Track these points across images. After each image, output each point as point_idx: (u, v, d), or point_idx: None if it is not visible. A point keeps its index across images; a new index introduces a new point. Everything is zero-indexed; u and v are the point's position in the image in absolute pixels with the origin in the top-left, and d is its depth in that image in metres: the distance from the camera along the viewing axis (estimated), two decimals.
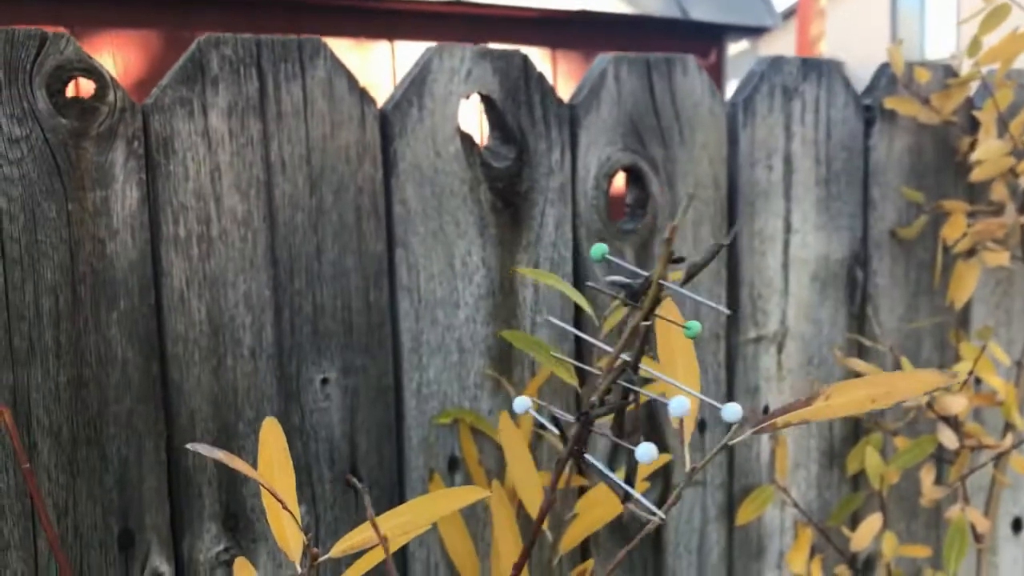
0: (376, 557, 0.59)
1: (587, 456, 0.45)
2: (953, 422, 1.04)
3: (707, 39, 2.98)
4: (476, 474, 0.87)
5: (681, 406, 0.41)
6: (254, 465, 0.76)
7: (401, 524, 0.55)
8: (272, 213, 0.76)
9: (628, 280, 0.44)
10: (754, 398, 1.03)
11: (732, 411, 0.42)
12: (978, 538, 1.07)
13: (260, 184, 0.75)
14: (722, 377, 1.01)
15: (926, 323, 1.13)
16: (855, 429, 1.11)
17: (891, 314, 1.11)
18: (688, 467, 0.46)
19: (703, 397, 0.42)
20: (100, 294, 0.70)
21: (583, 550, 0.94)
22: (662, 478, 0.98)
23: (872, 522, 1.03)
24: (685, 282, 0.42)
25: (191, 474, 0.74)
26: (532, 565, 0.89)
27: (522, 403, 0.46)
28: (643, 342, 0.44)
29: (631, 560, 0.97)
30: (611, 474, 0.44)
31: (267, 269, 0.76)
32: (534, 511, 0.77)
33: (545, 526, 0.78)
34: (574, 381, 0.80)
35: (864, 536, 1.02)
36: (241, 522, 0.77)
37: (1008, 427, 1.07)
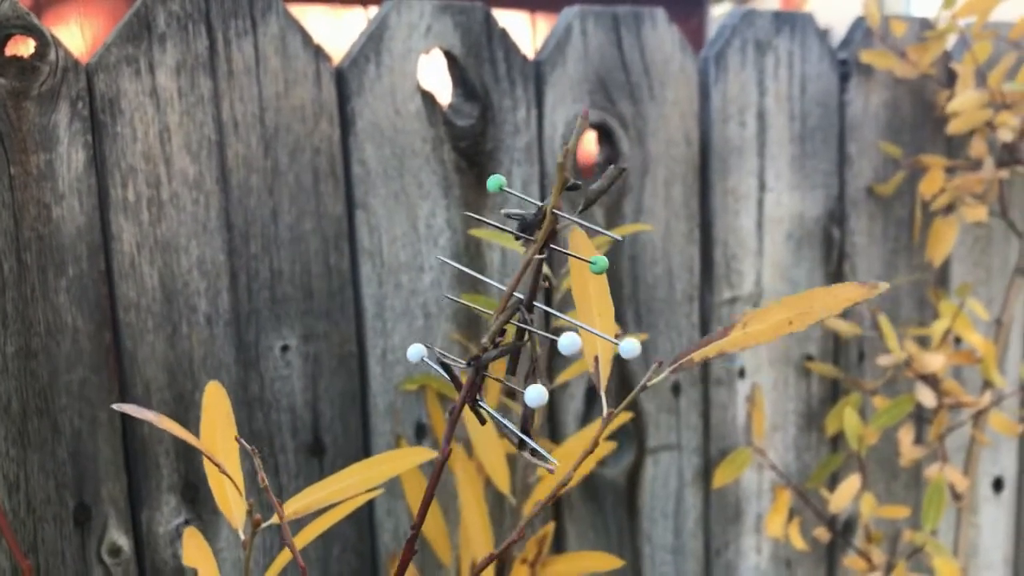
0: (331, 519, 0.57)
1: (480, 403, 0.43)
2: (931, 380, 1.02)
3: (690, 2, 2.94)
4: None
5: (572, 344, 0.39)
6: None
7: (354, 483, 0.53)
8: (225, 175, 0.73)
9: (520, 213, 0.41)
10: (731, 360, 1.01)
11: (629, 347, 0.40)
12: (957, 497, 1.06)
13: (212, 145, 0.73)
14: (696, 339, 0.99)
15: (904, 280, 1.12)
16: (834, 391, 1.10)
17: (869, 273, 1.09)
18: (605, 411, 0.44)
19: (598, 332, 0.40)
20: (47, 261, 0.68)
21: (556, 512, 0.93)
22: (636, 442, 0.96)
23: (850, 484, 1.01)
24: (584, 209, 0.40)
25: (147, 445, 0.73)
26: (501, 530, 0.87)
27: (416, 351, 0.44)
28: (536, 278, 0.42)
29: (606, 525, 0.96)
30: (504, 421, 0.43)
31: (221, 233, 0.74)
32: (497, 478, 0.76)
33: (508, 493, 0.76)
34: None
35: (842, 498, 1.01)
36: (201, 493, 0.75)
37: (987, 385, 1.06)
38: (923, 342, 1.13)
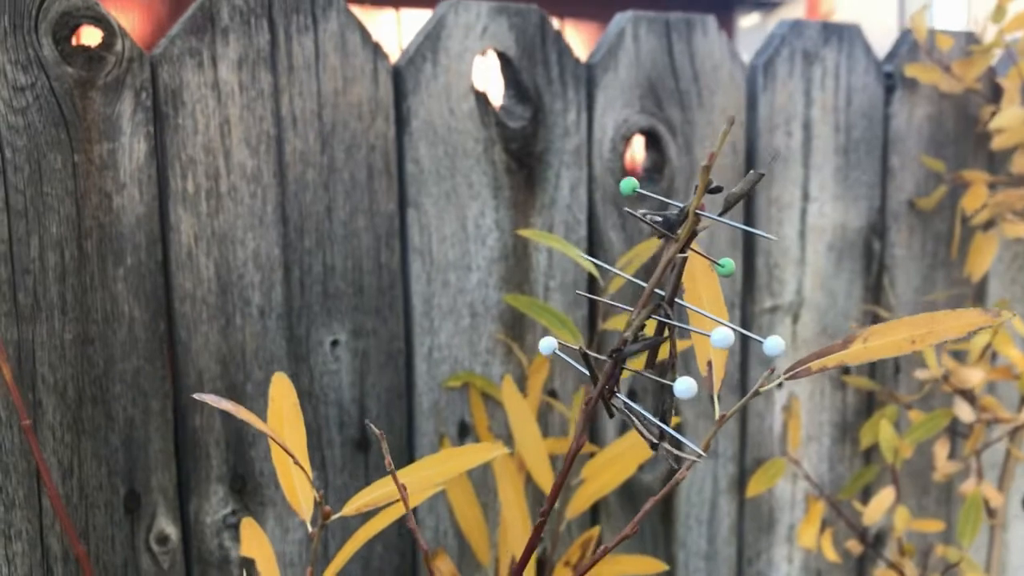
0: (388, 517, 0.58)
1: (618, 395, 0.44)
2: (969, 395, 1.02)
3: (718, 11, 2.95)
4: (485, 440, 0.86)
5: (725, 338, 0.39)
6: None
7: (415, 481, 0.53)
8: (282, 169, 0.74)
9: (663, 213, 0.42)
10: (767, 367, 1.01)
11: (774, 344, 0.40)
12: (991, 514, 1.06)
13: (270, 139, 0.73)
14: (736, 347, 0.99)
15: (942, 295, 1.12)
16: (868, 403, 1.10)
17: (907, 286, 1.09)
18: (717, 415, 0.44)
19: (746, 332, 0.41)
20: (107, 249, 0.68)
21: (592, 517, 0.93)
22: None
23: (884, 496, 1.01)
24: (725, 211, 0.40)
25: (198, 435, 0.73)
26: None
27: (548, 344, 0.44)
28: (679, 276, 0.42)
29: (641, 530, 0.96)
30: (644, 411, 0.43)
31: (277, 227, 0.74)
32: (540, 477, 0.76)
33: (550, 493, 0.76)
34: (579, 342, 0.78)
35: (876, 510, 1.01)
36: (249, 485, 0.75)
37: None
38: (958, 356, 1.13)
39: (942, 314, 0.41)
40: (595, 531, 0.76)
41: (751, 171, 0.41)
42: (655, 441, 0.45)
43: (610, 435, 0.92)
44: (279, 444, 0.49)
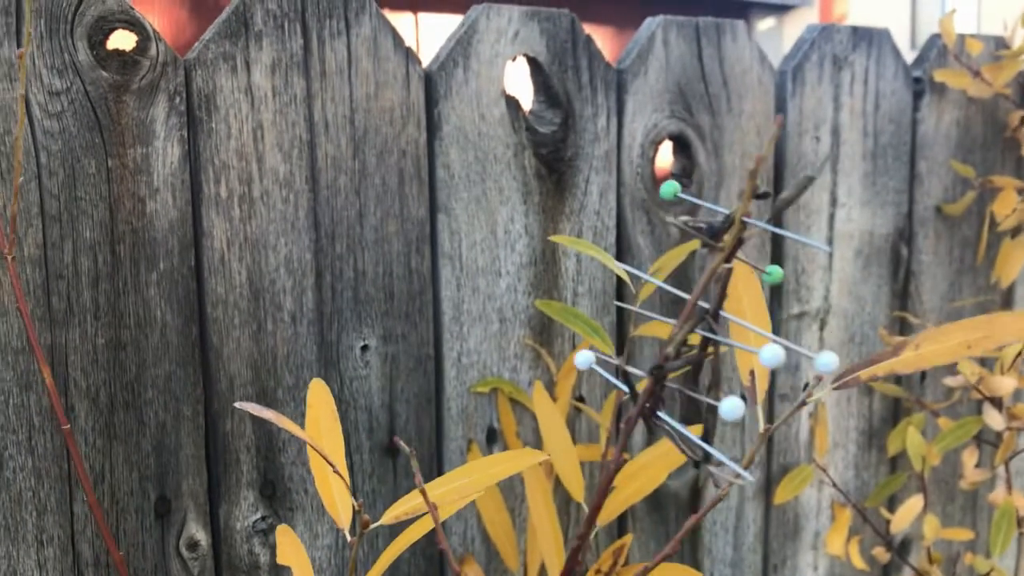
0: (422, 528, 0.57)
1: (660, 413, 0.42)
2: (998, 403, 1.01)
3: (733, 16, 2.93)
4: (513, 446, 0.85)
5: (775, 356, 0.38)
6: (292, 433, 0.75)
7: (454, 490, 0.53)
8: (314, 175, 0.74)
9: (706, 221, 0.41)
10: (795, 376, 1.01)
11: (827, 360, 0.39)
12: (1020, 523, 1.05)
13: (303, 144, 0.73)
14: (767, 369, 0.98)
15: (969, 302, 1.11)
16: (895, 410, 1.09)
17: (934, 292, 1.09)
18: (762, 427, 0.43)
19: (797, 347, 0.40)
20: (139, 254, 0.68)
21: (620, 525, 0.92)
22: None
23: (913, 504, 1.01)
24: (773, 218, 0.39)
25: (229, 441, 0.73)
26: (568, 539, 0.87)
27: (585, 357, 0.43)
28: (724, 287, 0.41)
29: (668, 536, 0.95)
30: (688, 432, 0.42)
31: (309, 232, 0.74)
32: (570, 484, 0.75)
33: (582, 500, 0.76)
34: (611, 350, 0.78)
35: (904, 518, 1.00)
36: (279, 491, 0.75)
37: None
38: (984, 363, 1.12)
39: (999, 317, 0.40)
40: (627, 539, 0.76)
41: (802, 175, 0.40)
42: (698, 460, 0.44)
43: (637, 439, 0.91)
44: (318, 451, 0.48)
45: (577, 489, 0.76)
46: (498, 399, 0.84)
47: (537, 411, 0.77)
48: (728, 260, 0.43)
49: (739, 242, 0.43)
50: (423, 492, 0.50)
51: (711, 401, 0.43)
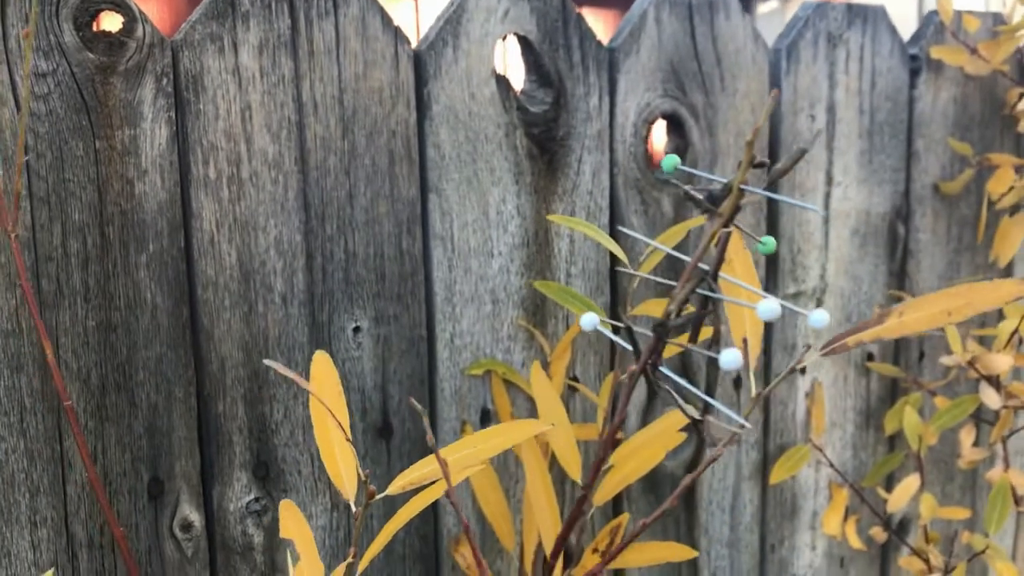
0: (429, 497, 0.57)
1: (662, 368, 0.43)
2: (995, 382, 1.01)
3: None
4: None
5: (772, 309, 0.39)
6: (284, 414, 0.75)
7: (461, 459, 0.53)
8: (304, 155, 0.73)
9: (707, 189, 0.42)
10: (791, 355, 1.01)
11: (819, 317, 0.40)
12: (1018, 501, 1.05)
13: (292, 125, 0.73)
14: (759, 333, 0.98)
15: (967, 280, 1.10)
16: (892, 389, 1.09)
17: (931, 271, 1.08)
18: (753, 392, 0.44)
19: (791, 305, 0.40)
20: (129, 236, 0.68)
21: (615, 505, 0.92)
22: (696, 435, 0.96)
23: (909, 483, 1.00)
24: (768, 186, 0.40)
25: (222, 423, 0.73)
26: (564, 518, 0.87)
27: (589, 319, 0.44)
28: (722, 250, 0.42)
29: (663, 517, 0.95)
30: (689, 385, 0.42)
31: (298, 213, 0.74)
32: (567, 463, 0.75)
33: (578, 479, 0.76)
34: (607, 327, 0.78)
35: (901, 497, 1.00)
36: (272, 472, 0.75)
37: None
38: (983, 342, 1.12)
39: (979, 285, 0.41)
40: (624, 517, 0.76)
41: (796, 147, 0.40)
42: (698, 417, 0.45)
43: (632, 421, 0.91)
44: (326, 408, 0.48)
45: (574, 468, 0.76)
46: (492, 381, 0.84)
47: (535, 390, 0.78)
48: (727, 225, 0.44)
49: (737, 208, 0.44)
50: (437, 455, 0.50)
51: (711, 354, 0.44)
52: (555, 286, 0.81)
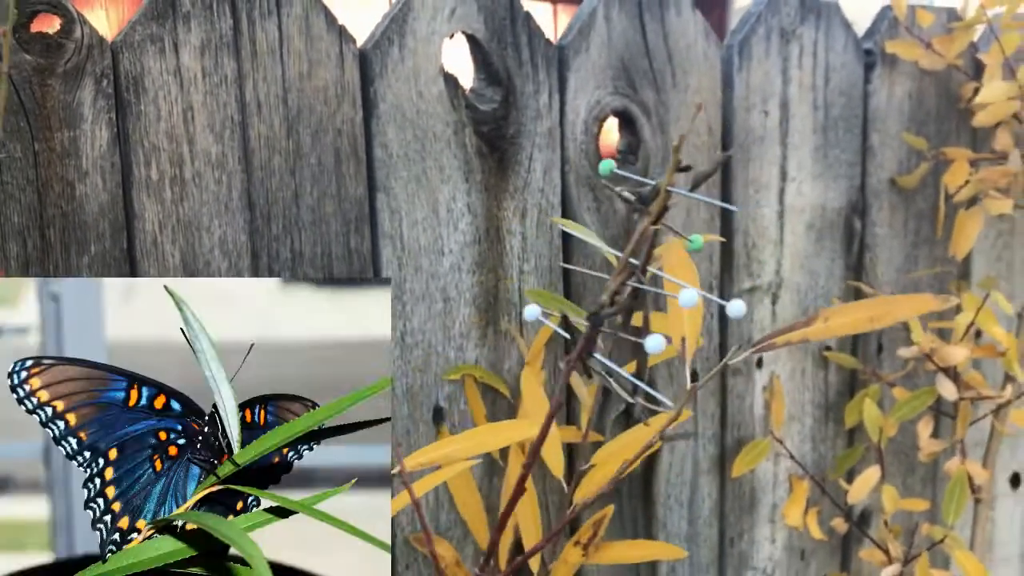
0: (438, 478, 0.58)
1: (596, 355, 0.45)
2: (952, 373, 1.02)
3: None
4: None
5: (691, 298, 0.41)
6: None
7: (469, 447, 0.55)
8: (247, 155, 0.73)
9: (636, 191, 0.44)
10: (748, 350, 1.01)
11: (736, 307, 0.42)
12: (975, 491, 1.06)
13: (235, 125, 0.73)
14: (715, 328, 0.99)
15: (925, 273, 1.11)
16: (851, 382, 1.09)
17: (889, 265, 1.09)
18: (688, 381, 0.45)
19: (707, 295, 0.42)
20: (70, 238, 0.68)
21: (572, 501, 0.93)
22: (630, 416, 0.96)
23: (869, 475, 1.01)
24: (693, 188, 0.42)
25: None
26: (549, 516, 0.87)
27: (532, 311, 0.47)
28: (651, 247, 0.44)
29: (621, 514, 0.96)
30: (618, 368, 0.44)
31: (243, 213, 0.74)
32: (551, 463, 0.76)
33: (561, 477, 0.77)
34: (582, 315, 0.78)
35: (861, 489, 1.01)
36: None
37: (1008, 378, 1.05)
38: (942, 335, 1.13)
39: (901, 297, 0.43)
40: (608, 510, 0.76)
41: (719, 153, 0.43)
42: (630, 400, 0.47)
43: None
44: None
45: (557, 467, 0.76)
46: (465, 384, 0.85)
47: (524, 392, 0.79)
48: (655, 223, 0.46)
49: (664, 208, 0.46)
50: (442, 434, 0.51)
51: (638, 340, 0.46)
52: (547, 294, 0.82)
